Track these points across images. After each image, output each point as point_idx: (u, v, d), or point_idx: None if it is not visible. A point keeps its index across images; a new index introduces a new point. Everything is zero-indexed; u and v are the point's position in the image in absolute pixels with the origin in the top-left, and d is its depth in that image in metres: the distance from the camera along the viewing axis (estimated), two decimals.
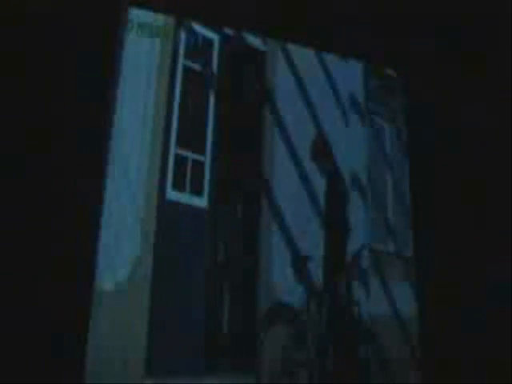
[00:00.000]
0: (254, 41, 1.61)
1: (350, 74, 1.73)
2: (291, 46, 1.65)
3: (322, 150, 1.59)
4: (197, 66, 1.49)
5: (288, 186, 1.54)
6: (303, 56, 1.67)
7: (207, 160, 1.47)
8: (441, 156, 1.79)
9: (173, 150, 1.42)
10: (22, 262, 1.21)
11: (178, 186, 1.42)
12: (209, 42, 1.53)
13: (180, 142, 1.44)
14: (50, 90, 1.32)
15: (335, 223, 1.55)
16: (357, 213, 1.60)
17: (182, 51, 1.47)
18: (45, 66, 1.33)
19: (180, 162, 1.43)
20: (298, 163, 1.57)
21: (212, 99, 1.49)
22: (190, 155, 1.45)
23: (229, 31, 1.57)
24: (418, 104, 1.85)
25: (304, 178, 1.57)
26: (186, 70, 1.47)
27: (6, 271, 1.20)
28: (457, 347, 1.57)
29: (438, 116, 1.85)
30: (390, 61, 1.88)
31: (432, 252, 1.64)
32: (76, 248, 1.26)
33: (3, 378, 1.14)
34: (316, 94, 1.63)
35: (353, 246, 1.57)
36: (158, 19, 1.46)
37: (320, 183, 1.59)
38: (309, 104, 1.61)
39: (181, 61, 1.47)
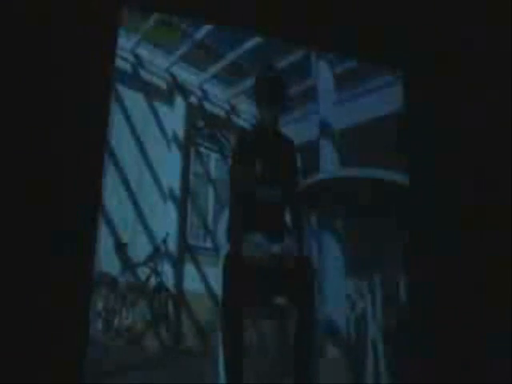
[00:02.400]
0: None
1: None
2: None
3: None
4: None
5: None
6: None
7: None
8: (440, 156, 1.78)
9: None
10: (21, 260, 1.20)
11: None
12: None
13: None
14: (49, 89, 1.33)
15: None
16: None
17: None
18: (45, 66, 1.34)
19: None
20: None
21: None
22: None
23: None
24: (418, 104, 1.86)
25: None
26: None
27: (5, 270, 1.18)
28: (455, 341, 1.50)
29: (437, 116, 1.84)
30: (390, 61, 1.91)
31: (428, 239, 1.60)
32: (75, 247, 1.25)
33: (3, 378, 1.11)
34: None
35: None
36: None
37: None
38: None
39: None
